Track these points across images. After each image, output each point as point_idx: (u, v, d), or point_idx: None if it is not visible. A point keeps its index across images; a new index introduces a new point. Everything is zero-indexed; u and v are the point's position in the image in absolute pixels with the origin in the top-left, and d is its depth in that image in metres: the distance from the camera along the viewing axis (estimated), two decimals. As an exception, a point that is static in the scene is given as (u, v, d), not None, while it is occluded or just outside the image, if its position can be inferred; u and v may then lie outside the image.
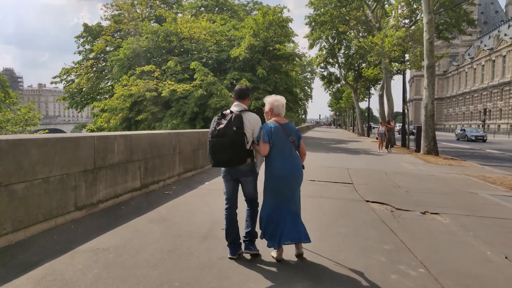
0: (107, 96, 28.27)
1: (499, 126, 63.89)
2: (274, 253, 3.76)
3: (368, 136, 42.97)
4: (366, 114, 49.80)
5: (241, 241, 3.85)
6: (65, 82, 30.19)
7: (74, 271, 3.24)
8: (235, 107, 3.75)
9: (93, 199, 5.21)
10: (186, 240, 4.23)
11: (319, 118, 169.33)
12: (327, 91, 57.35)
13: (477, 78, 76.88)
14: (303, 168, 3.81)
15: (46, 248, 3.76)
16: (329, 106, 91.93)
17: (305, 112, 60.04)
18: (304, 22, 35.33)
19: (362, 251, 4.01)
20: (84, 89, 30.39)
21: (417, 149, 19.32)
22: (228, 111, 3.69)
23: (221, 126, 3.52)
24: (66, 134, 4.87)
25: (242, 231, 3.89)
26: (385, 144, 18.92)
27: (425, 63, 17.71)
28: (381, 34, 22.83)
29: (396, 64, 23.89)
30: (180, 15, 30.83)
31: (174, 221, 4.99)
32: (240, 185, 3.85)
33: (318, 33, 36.88)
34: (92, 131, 24.51)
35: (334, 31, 35.63)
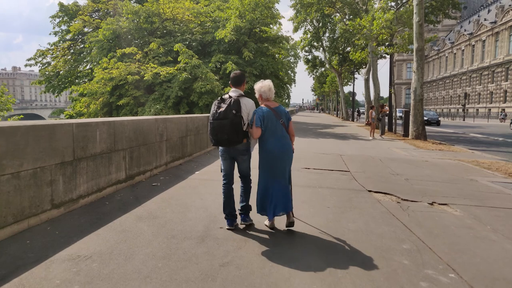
0: (86, 80, 26.98)
1: (477, 110, 65.03)
2: (267, 222, 4.27)
3: (353, 120, 42.92)
4: (351, 99, 49.59)
5: (237, 213, 4.30)
6: (41, 65, 28.62)
7: (50, 288, 2.71)
8: (233, 93, 4.12)
9: (72, 194, 4.62)
10: (182, 242, 3.73)
11: (302, 102, 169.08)
12: (311, 75, 56.82)
13: (457, 62, 77.64)
14: (292, 151, 4.19)
15: (16, 257, 3.19)
16: (312, 90, 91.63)
17: (289, 97, 59.49)
18: (289, 4, 34.58)
19: (380, 252, 3.60)
20: (61, 72, 28.91)
21: (405, 134, 19.11)
22: (227, 96, 4.07)
23: (222, 109, 3.92)
24: (40, 122, 4.25)
25: (236, 205, 4.33)
26: (380, 130, 18.38)
27: (414, 46, 17.34)
28: (369, 16, 22.34)
29: (384, 47, 23.46)
30: (161, -6, 29.47)
31: (165, 218, 4.47)
32: (236, 163, 4.29)
33: (303, 15, 36.12)
34: (71, 116, 23.46)
35: (319, 14, 34.98)
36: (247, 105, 4.08)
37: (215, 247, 3.63)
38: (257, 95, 4.25)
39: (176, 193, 5.80)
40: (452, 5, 25.90)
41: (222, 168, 4.30)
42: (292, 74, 59.97)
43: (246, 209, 4.27)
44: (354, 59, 26.55)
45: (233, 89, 4.19)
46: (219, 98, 4.10)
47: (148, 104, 19.66)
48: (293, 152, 4.20)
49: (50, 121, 4.45)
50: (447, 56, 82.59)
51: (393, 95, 23.15)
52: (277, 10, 23.97)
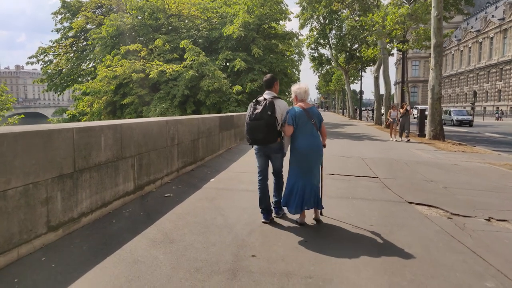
0: (89, 78, 26.21)
1: (485, 108, 63.98)
2: (299, 218, 4.46)
3: (360, 119, 42.07)
4: (358, 97, 48.56)
5: (272, 207, 4.59)
6: (43, 63, 27.88)
7: None
8: (267, 95, 4.39)
9: (73, 212, 3.89)
10: (209, 278, 2.98)
11: (309, 101, 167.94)
12: (316, 73, 55.90)
13: (463, 60, 76.44)
14: (324, 146, 4.46)
15: (-1, 308, 2.47)
16: (317, 88, 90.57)
17: (293, 95, 58.49)
18: (295, 1, 33.73)
19: (460, 293, 2.84)
20: (63, 70, 28.13)
21: (420, 134, 18.31)
22: (261, 98, 4.35)
23: (258, 110, 4.21)
24: (32, 127, 3.52)
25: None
26: (399, 131, 16.39)
27: (432, 42, 16.51)
28: (382, 11, 21.51)
29: (398, 44, 22.54)
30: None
31: (184, 242, 3.73)
32: (270, 160, 4.56)
33: (309, 12, 35.30)
34: (74, 116, 22.70)
35: (326, 11, 34.09)
36: (280, 106, 4.33)
37: (251, 284, 2.88)
38: (292, 96, 4.55)
39: (192, 206, 5.05)
40: (465, 0, 25.13)
41: (257, 165, 4.59)
42: (296, 72, 59.25)
43: (278, 204, 4.60)
44: (365, 56, 25.62)
45: (266, 91, 4.47)
46: (254, 100, 4.41)
47: (154, 103, 18.89)
48: (324, 147, 4.46)
49: (45, 126, 3.71)
50: (453, 54, 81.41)
51: (406, 93, 22.34)
52: (286, 5, 23.03)
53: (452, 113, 35.79)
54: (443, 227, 4.42)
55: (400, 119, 16.26)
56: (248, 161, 9.27)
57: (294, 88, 4.54)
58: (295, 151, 4.30)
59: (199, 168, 8.01)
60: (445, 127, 18.15)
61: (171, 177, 6.61)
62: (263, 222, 4.40)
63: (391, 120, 16.41)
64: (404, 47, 21.13)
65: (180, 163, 7.07)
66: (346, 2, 30.63)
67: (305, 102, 4.43)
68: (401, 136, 16.34)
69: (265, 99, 4.30)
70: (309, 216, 4.53)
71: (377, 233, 4.19)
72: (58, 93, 28.55)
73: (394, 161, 10.08)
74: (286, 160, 4.53)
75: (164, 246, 3.60)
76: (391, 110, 16.64)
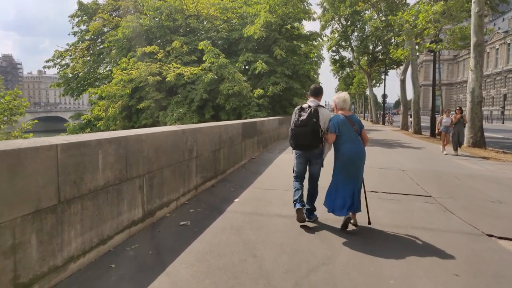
0: (106, 82, 25.55)
1: (514, 112, 61.14)
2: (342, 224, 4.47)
3: (384, 124, 40.43)
4: (382, 101, 46.70)
5: (304, 213, 4.61)
6: (59, 67, 27.42)
7: None
8: (312, 103, 4.60)
9: (56, 259, 2.87)
10: None
11: (325, 104, 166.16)
12: (336, 77, 54.45)
13: (490, 62, 73.53)
14: None
15: None
16: (336, 92, 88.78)
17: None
18: (316, 2, 32.61)
19: None
20: (80, 74, 27.59)
21: (456, 140, 16.81)
22: (306, 105, 4.59)
23: (303, 117, 4.45)
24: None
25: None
26: (452, 142, 13.04)
27: (472, 40, 15.08)
28: (413, 10, 20.18)
29: (431, 43, 21.04)
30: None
31: (206, 307, 2.65)
32: (308, 165, 4.75)
33: (330, 14, 34.20)
34: (89, 120, 22.01)
35: (349, 12, 32.88)
36: (323, 114, 4.51)
37: None
38: (333, 105, 4.75)
39: (215, 241, 3.97)
40: (499, -2, 23.61)
41: (295, 169, 4.76)
42: (315, 76, 57.81)
43: (311, 211, 4.73)
44: (394, 58, 24.29)
45: (311, 99, 4.68)
46: (298, 107, 4.63)
47: (170, 107, 17.98)
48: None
49: (14, 143, 2.69)
50: (479, 56, 78.41)
51: (441, 96, 20.90)
52: (310, 4, 21.84)
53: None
54: (559, 281, 3.22)
55: (454, 127, 12.99)
56: (275, 174, 8.18)
57: (334, 97, 4.70)
58: (340, 157, 4.43)
59: (220, 183, 6.95)
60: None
61: (188, 196, 5.57)
62: (297, 209, 4.49)
63: (443, 128, 13.43)
64: (438, 47, 19.69)
65: (199, 179, 6.03)
66: (372, 1, 29.29)
67: (345, 110, 4.56)
68: (456, 149, 12.98)
69: (309, 106, 4.50)
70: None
71: (462, 283, 3.03)
72: (75, 97, 28.03)
73: (440, 173, 8.83)
74: (325, 169, 4.73)
75: (178, 315, 2.53)
76: (443, 116, 13.79)
